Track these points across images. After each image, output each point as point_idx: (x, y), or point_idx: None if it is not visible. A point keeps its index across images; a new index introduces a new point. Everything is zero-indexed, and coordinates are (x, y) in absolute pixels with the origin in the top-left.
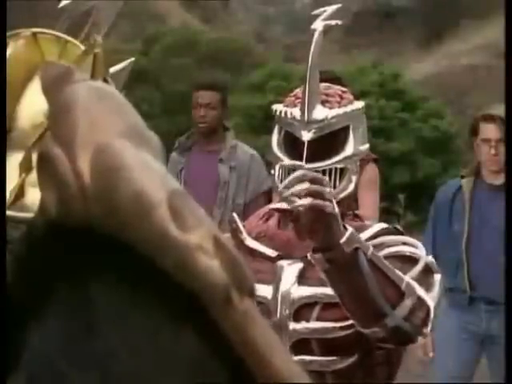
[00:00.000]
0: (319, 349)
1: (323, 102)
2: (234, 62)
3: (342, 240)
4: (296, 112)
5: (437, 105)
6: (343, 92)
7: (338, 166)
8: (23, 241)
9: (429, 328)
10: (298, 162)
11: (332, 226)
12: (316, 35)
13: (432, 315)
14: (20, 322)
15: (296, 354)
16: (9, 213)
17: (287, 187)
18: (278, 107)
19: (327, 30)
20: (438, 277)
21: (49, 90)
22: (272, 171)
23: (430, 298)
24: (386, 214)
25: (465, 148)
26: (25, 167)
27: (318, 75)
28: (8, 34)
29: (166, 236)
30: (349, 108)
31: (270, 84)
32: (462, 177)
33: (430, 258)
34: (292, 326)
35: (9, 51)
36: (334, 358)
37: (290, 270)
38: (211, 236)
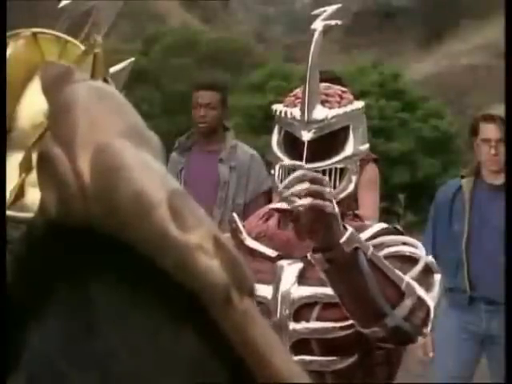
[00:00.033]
0: (319, 349)
1: (323, 102)
2: (234, 62)
3: (342, 240)
4: (296, 112)
5: (437, 105)
6: (343, 92)
7: (338, 166)
8: (23, 241)
9: (429, 328)
10: (297, 162)
11: (332, 225)
12: (316, 35)
13: (432, 315)
14: (20, 322)
15: (296, 354)
16: (9, 213)
17: (287, 187)
18: (277, 107)
19: (327, 30)
20: (437, 277)
21: (49, 90)
22: (272, 171)
23: (430, 298)
24: (386, 214)
25: (465, 148)
26: (25, 167)
27: (317, 75)
28: (8, 34)
29: (166, 236)
30: (349, 108)
31: (270, 84)
32: (462, 177)
33: (430, 258)
34: (292, 326)
35: (9, 51)
36: (334, 358)
37: (290, 269)
38: (211, 236)
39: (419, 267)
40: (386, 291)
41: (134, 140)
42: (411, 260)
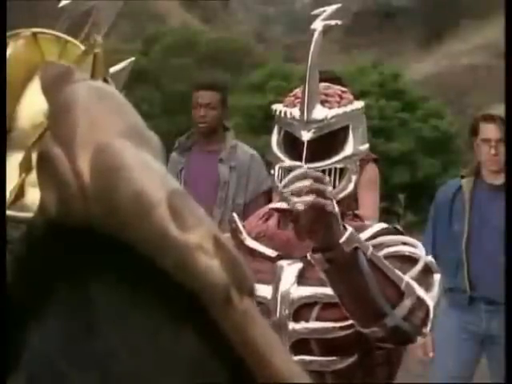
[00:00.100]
0: (319, 349)
1: (323, 102)
2: (234, 62)
3: (342, 240)
4: (296, 112)
5: (437, 105)
6: (343, 92)
7: (338, 165)
8: (23, 241)
9: (428, 328)
10: (297, 163)
11: (332, 225)
12: (316, 35)
13: (431, 315)
14: (20, 322)
15: (296, 354)
16: (9, 213)
17: (287, 186)
18: (277, 107)
19: (327, 29)
20: (437, 277)
21: (49, 90)
22: (272, 171)
23: (430, 298)
24: (386, 214)
25: (465, 148)
26: (25, 167)
27: (317, 75)
28: (8, 34)
29: (166, 236)
30: (348, 108)
31: (270, 84)
32: (462, 177)
33: (430, 258)
34: (291, 325)
35: (9, 51)
36: (334, 358)
37: (290, 270)
38: (211, 236)
39: (419, 267)
40: (386, 291)
41: (134, 140)
42: (411, 260)
